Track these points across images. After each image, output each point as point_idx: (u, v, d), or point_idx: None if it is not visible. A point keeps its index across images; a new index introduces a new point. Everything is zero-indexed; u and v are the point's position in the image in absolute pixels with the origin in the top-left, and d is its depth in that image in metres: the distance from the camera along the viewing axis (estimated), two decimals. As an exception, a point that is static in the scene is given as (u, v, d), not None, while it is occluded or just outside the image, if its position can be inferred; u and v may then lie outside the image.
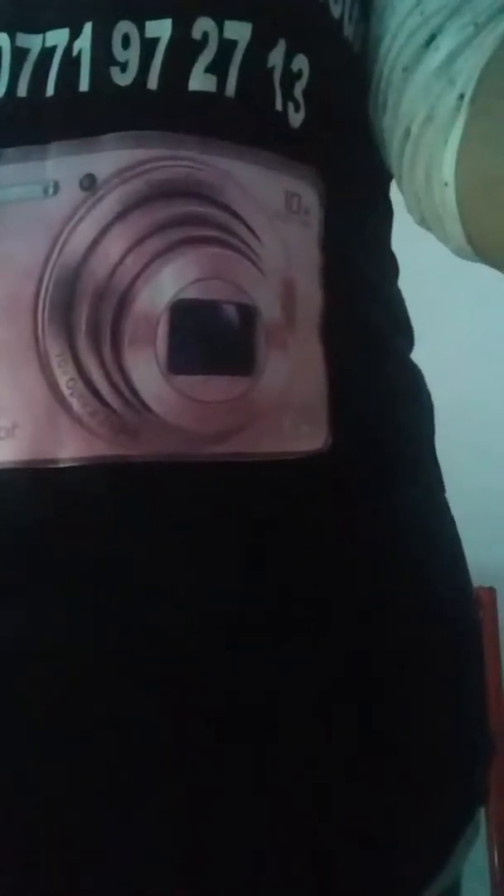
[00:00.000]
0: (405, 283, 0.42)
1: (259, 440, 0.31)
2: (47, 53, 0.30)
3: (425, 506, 0.39)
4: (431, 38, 0.33)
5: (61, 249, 0.29)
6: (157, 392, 0.29)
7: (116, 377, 0.29)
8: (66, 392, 0.29)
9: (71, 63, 0.30)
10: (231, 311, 0.30)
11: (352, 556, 0.33)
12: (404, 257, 0.43)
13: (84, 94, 0.30)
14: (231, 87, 0.31)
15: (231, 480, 0.30)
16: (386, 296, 0.40)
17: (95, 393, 0.29)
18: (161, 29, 0.30)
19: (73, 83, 0.30)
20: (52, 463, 0.29)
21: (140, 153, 0.30)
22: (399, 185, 0.38)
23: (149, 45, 0.30)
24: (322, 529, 0.33)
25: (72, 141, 0.30)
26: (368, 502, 0.35)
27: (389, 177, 0.43)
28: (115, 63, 0.30)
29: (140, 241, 0.29)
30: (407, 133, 0.34)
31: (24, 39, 0.31)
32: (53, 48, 0.30)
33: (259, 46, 0.31)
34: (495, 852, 0.89)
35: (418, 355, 0.42)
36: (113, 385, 0.29)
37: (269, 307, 0.31)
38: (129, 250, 0.29)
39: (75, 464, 0.29)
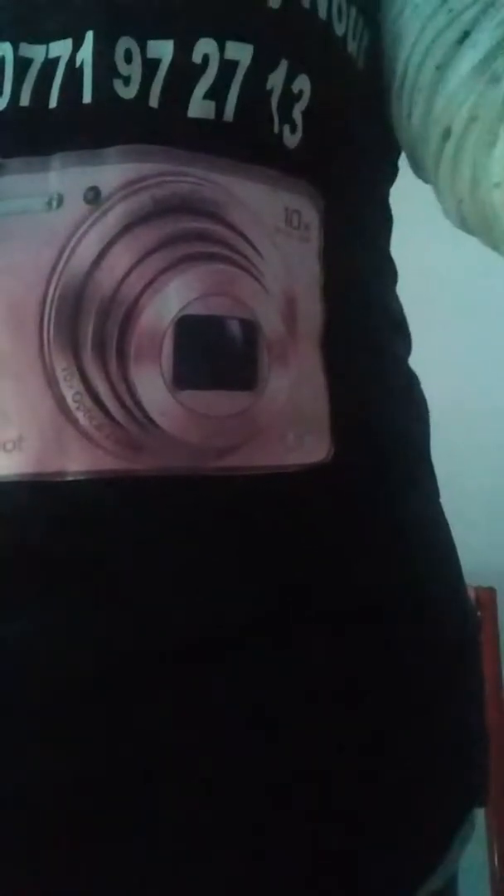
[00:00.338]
0: (405, 284, 0.42)
1: (263, 453, 0.31)
2: (51, 64, 0.30)
3: (424, 512, 0.39)
4: (465, 34, 0.32)
5: (66, 263, 0.29)
6: (162, 406, 0.29)
7: (122, 391, 0.29)
8: (73, 406, 0.29)
9: (74, 74, 0.30)
10: (235, 327, 0.30)
11: (354, 562, 0.34)
12: (404, 257, 0.43)
13: (88, 105, 0.30)
14: (230, 112, 0.31)
15: (236, 493, 0.31)
16: (385, 303, 0.40)
17: (101, 407, 0.29)
18: (163, 50, 0.30)
19: (77, 94, 0.30)
20: (58, 476, 0.29)
21: (144, 168, 0.30)
22: (435, 187, 0.37)
23: (150, 65, 0.30)
24: (325, 538, 0.33)
25: (75, 152, 0.30)
26: (370, 510, 0.35)
27: (390, 184, 0.43)
28: (119, 76, 0.30)
29: (145, 256, 0.30)
30: (447, 133, 0.33)
31: (27, 49, 0.31)
32: (57, 59, 0.30)
33: (259, 68, 0.31)
34: (495, 852, 0.89)
35: (418, 356, 0.42)
36: (119, 399, 0.29)
37: (271, 322, 0.31)
38: (134, 265, 0.29)
39: (81, 477, 0.29)
